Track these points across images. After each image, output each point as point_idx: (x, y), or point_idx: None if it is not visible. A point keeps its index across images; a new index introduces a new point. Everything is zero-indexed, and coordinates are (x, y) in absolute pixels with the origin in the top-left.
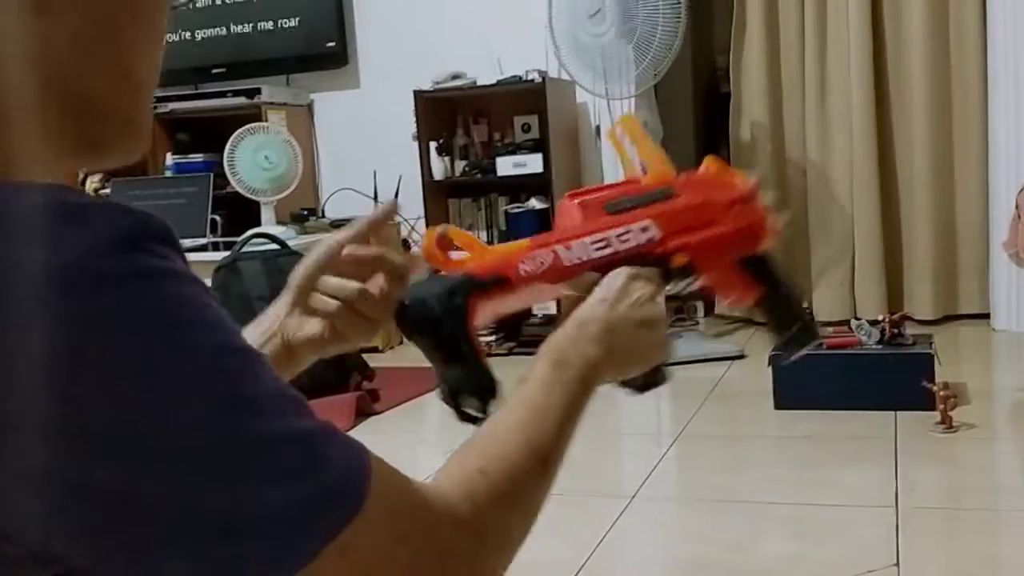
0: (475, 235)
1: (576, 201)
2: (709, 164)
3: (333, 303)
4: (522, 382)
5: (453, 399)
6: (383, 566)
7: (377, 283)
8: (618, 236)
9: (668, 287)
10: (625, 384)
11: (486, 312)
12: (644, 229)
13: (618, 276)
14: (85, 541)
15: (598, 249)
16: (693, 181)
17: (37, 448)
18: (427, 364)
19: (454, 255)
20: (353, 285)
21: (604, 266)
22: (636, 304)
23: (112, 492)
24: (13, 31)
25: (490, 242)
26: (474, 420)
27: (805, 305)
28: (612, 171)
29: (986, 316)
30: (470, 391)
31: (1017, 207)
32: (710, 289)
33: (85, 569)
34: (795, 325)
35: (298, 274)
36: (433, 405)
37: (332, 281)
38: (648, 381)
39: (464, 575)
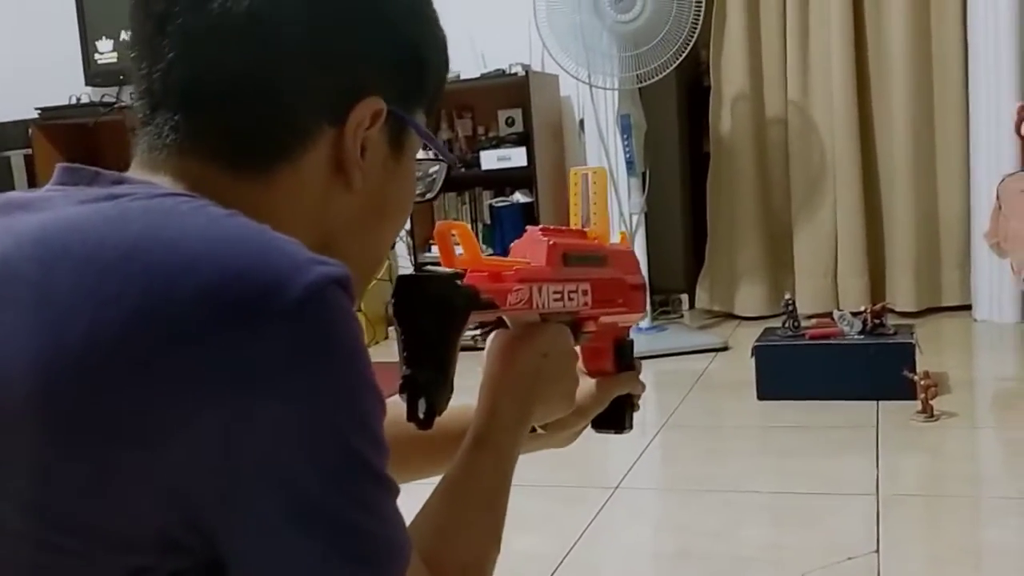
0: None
1: (548, 241)
2: (623, 239)
3: None
4: (459, 465)
5: (413, 399)
6: None
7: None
8: (568, 293)
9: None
10: (594, 425)
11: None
12: (584, 292)
13: (560, 331)
14: (223, 524)
15: (555, 300)
16: (615, 253)
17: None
18: None
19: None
20: None
21: (548, 314)
22: (570, 364)
23: (277, 479)
24: (322, 190)
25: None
26: (420, 424)
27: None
28: (595, 165)
29: (968, 308)
30: (432, 397)
31: (998, 198)
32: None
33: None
34: (618, 414)
35: None
36: None
37: None
38: (610, 423)
39: None
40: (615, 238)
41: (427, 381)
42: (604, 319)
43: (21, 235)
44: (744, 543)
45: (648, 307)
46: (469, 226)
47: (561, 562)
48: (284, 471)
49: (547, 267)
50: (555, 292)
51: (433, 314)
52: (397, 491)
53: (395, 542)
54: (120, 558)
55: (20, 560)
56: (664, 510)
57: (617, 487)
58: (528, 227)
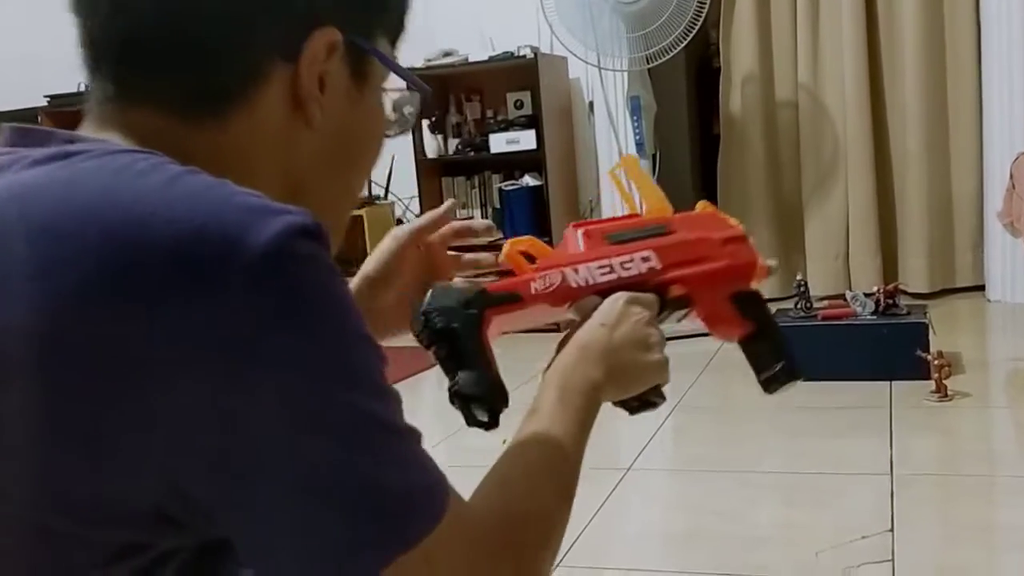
0: (469, 214)
1: (580, 230)
2: (703, 206)
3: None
4: (533, 413)
5: (466, 406)
6: None
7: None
8: (621, 263)
9: (663, 316)
10: (620, 404)
11: (496, 327)
12: (645, 259)
13: (617, 300)
14: (220, 495)
15: (603, 274)
16: (689, 218)
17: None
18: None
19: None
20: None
21: (606, 291)
22: (635, 327)
23: (264, 439)
24: (282, 130)
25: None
26: (483, 425)
27: (788, 346)
28: (605, 148)
29: (981, 288)
30: (480, 398)
31: (1011, 177)
32: (702, 322)
33: (202, 537)
34: (778, 364)
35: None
36: (431, 384)
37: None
38: (644, 402)
39: None
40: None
41: (467, 385)
42: (695, 278)
43: None
44: (756, 523)
45: None
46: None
47: (573, 543)
48: (279, 440)
49: (581, 251)
50: (601, 267)
51: (443, 325)
52: (415, 435)
53: (421, 489)
54: (111, 533)
55: (11, 541)
56: (676, 490)
57: (629, 468)
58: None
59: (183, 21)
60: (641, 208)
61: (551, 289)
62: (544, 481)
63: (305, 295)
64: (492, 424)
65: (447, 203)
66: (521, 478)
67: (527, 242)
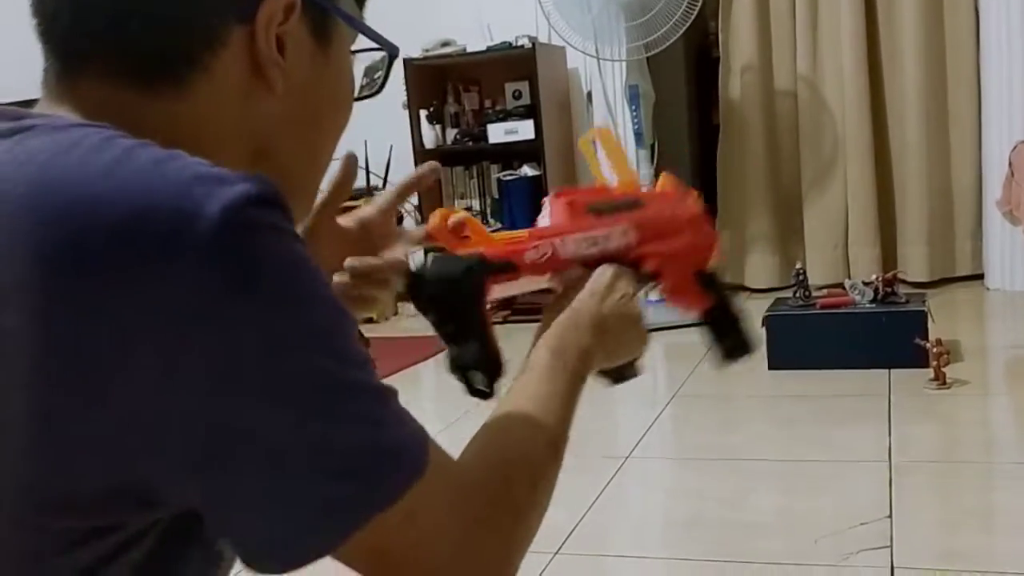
0: (468, 204)
1: (564, 200)
2: (665, 180)
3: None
4: (525, 371)
5: (463, 374)
6: (440, 537)
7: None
8: (604, 236)
9: (635, 289)
10: (603, 374)
11: (491, 295)
12: (624, 233)
13: (605, 273)
14: (187, 472)
15: (588, 247)
16: (657, 195)
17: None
18: (422, 334)
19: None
20: (352, 263)
21: (590, 263)
22: (623, 300)
23: (227, 417)
24: (242, 96)
25: (482, 211)
26: (482, 394)
27: (746, 323)
28: None
29: (980, 277)
30: (479, 367)
31: (1010, 166)
32: (667, 295)
33: (174, 511)
34: (737, 336)
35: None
36: (429, 374)
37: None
38: (624, 373)
39: (502, 552)
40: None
41: (466, 354)
42: (667, 254)
43: None
44: (756, 510)
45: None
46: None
47: (573, 531)
48: (243, 405)
49: (566, 221)
50: (586, 239)
51: (445, 291)
52: (390, 391)
53: (397, 445)
54: (75, 518)
55: None
56: (675, 478)
57: (628, 456)
58: (544, 198)
59: None
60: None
61: (543, 260)
62: (535, 432)
63: (262, 263)
64: (490, 393)
65: (427, 165)
66: (512, 428)
67: (466, 219)
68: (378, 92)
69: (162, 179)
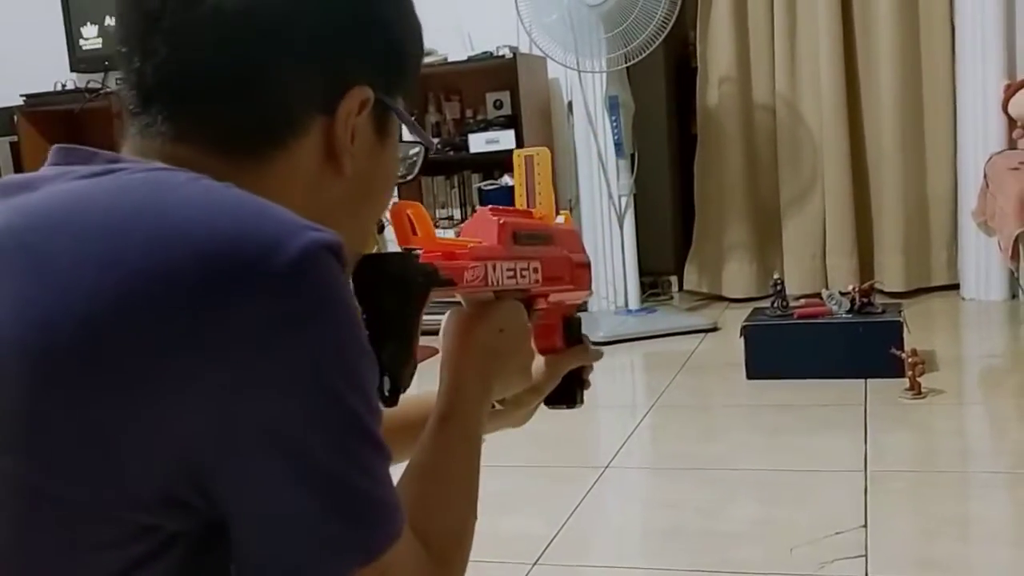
0: (449, 213)
1: (498, 220)
2: (567, 219)
3: None
4: (446, 418)
5: (379, 375)
6: None
7: None
8: (520, 270)
9: None
10: (547, 402)
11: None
12: (535, 270)
13: (515, 310)
14: (230, 458)
15: (508, 278)
16: (561, 232)
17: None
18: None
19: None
20: None
21: (501, 292)
22: (526, 339)
23: (272, 433)
24: (314, 176)
25: (463, 220)
26: (385, 401)
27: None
28: (584, 147)
29: (956, 287)
30: (396, 373)
31: (985, 176)
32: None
33: (208, 517)
34: (564, 387)
35: None
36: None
37: None
38: (562, 400)
39: None
40: (559, 220)
41: (390, 358)
42: (553, 297)
43: (24, 208)
44: (733, 520)
45: (637, 289)
46: (437, 207)
47: (551, 541)
48: (284, 430)
49: (499, 246)
50: (508, 270)
51: (394, 291)
52: (390, 456)
53: (390, 504)
54: (127, 515)
55: (24, 516)
56: (654, 488)
57: (607, 466)
58: (479, 207)
59: (240, 74)
60: (529, 203)
61: (475, 282)
62: (467, 497)
63: (328, 302)
64: (392, 402)
65: None
66: (449, 496)
67: (414, 208)
68: (414, 179)
69: (248, 214)
